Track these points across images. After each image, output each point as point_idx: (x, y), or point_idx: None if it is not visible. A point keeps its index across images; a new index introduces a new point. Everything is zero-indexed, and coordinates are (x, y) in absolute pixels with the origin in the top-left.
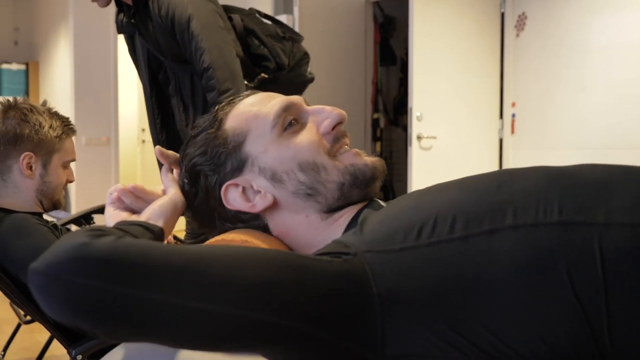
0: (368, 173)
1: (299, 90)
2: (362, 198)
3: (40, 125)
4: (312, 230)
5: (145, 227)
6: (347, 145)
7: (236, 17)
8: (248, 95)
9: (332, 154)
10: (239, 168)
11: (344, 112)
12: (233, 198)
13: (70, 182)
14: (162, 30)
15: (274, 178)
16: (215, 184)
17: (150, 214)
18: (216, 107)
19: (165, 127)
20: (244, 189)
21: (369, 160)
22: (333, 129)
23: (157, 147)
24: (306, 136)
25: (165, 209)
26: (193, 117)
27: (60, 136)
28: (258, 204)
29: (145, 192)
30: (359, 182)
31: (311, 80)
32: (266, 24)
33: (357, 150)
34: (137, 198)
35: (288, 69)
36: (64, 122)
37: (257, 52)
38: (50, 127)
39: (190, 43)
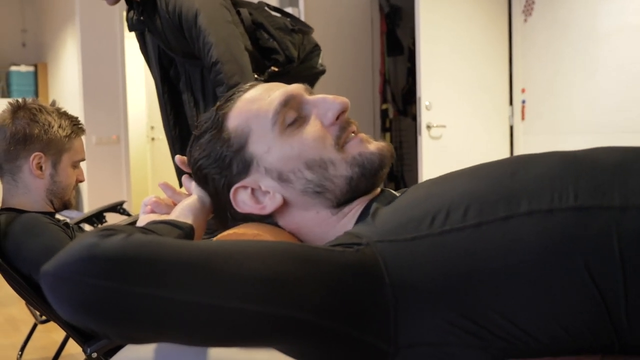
0: (376, 162)
1: (310, 82)
2: (370, 187)
3: (49, 125)
4: (324, 226)
5: (173, 224)
6: (353, 132)
7: (244, 11)
8: (247, 90)
9: (340, 145)
10: (245, 169)
11: (346, 100)
12: (242, 200)
13: (81, 181)
14: (170, 27)
15: (281, 178)
16: (224, 186)
17: (178, 212)
18: (216, 104)
19: (178, 123)
20: (252, 190)
21: (376, 147)
22: (337, 118)
23: (178, 156)
24: (310, 132)
25: (194, 207)
26: (204, 112)
27: (69, 136)
28: (268, 206)
29: (175, 189)
30: (367, 172)
31: (322, 72)
32: (275, 16)
33: (362, 136)
34: (169, 208)
35: (298, 62)
36: (73, 121)
37: (267, 45)
38: (60, 126)
39: (198, 38)
